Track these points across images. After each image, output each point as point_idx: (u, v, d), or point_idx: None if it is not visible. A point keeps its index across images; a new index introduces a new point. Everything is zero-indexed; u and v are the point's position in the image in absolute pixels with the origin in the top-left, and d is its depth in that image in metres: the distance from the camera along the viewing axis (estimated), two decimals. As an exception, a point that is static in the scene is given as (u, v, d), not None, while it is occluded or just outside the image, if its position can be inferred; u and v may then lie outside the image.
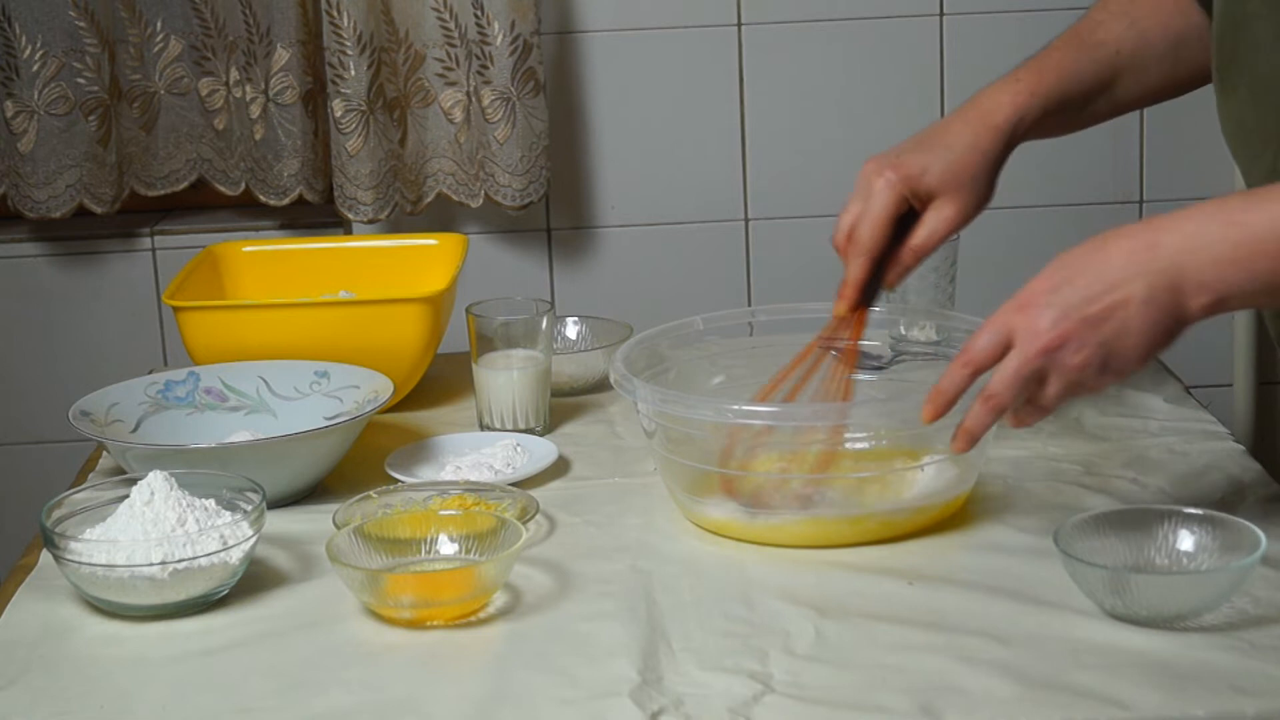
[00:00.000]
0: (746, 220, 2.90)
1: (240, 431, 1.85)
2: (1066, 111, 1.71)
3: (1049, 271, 1.42)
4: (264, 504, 1.57)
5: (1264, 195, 1.39)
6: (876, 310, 1.72)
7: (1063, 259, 1.42)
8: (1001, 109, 1.68)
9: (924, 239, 1.66)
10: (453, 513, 1.61)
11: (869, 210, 1.65)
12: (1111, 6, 1.76)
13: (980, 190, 1.66)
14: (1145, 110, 2.28)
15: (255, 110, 2.74)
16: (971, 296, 2.04)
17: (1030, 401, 1.45)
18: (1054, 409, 1.44)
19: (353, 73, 2.67)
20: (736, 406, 1.62)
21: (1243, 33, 1.57)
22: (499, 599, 1.53)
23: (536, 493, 1.72)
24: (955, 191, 1.65)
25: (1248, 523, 1.46)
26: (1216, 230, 1.38)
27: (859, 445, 1.69)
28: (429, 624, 1.49)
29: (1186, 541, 1.49)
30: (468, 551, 1.57)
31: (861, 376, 1.79)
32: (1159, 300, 1.38)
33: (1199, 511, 1.50)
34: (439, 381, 2.07)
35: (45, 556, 1.63)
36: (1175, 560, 1.49)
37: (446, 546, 1.57)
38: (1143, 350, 1.40)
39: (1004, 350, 1.43)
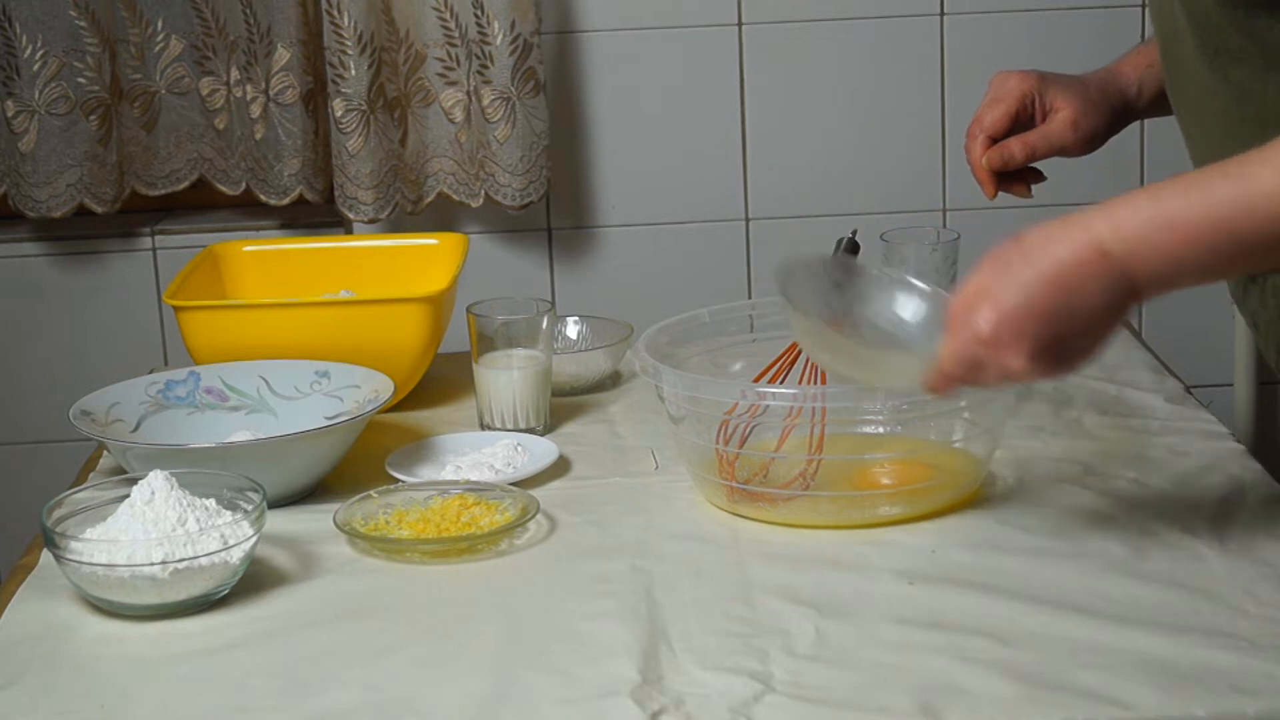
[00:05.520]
0: (746, 220, 2.90)
1: (240, 431, 1.85)
2: None
3: (1001, 287, 1.37)
4: (264, 504, 1.57)
5: (1193, 181, 1.39)
6: None
7: (1004, 268, 1.38)
8: (1125, 74, 1.79)
9: (1037, 137, 1.75)
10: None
11: (998, 97, 1.77)
12: None
13: (1101, 123, 1.77)
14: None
15: (256, 110, 2.74)
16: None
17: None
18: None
19: (353, 72, 2.68)
20: (772, 389, 1.64)
21: (1176, 51, 1.58)
22: (500, 598, 1.53)
23: (536, 493, 1.72)
24: (1078, 110, 1.76)
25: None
26: (1159, 235, 1.37)
27: (866, 430, 1.75)
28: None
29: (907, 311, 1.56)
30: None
31: None
32: (1117, 302, 1.38)
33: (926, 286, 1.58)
34: (439, 381, 2.07)
35: (46, 556, 1.63)
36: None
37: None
38: (1102, 342, 1.40)
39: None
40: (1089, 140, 1.78)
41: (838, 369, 1.56)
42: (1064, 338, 1.37)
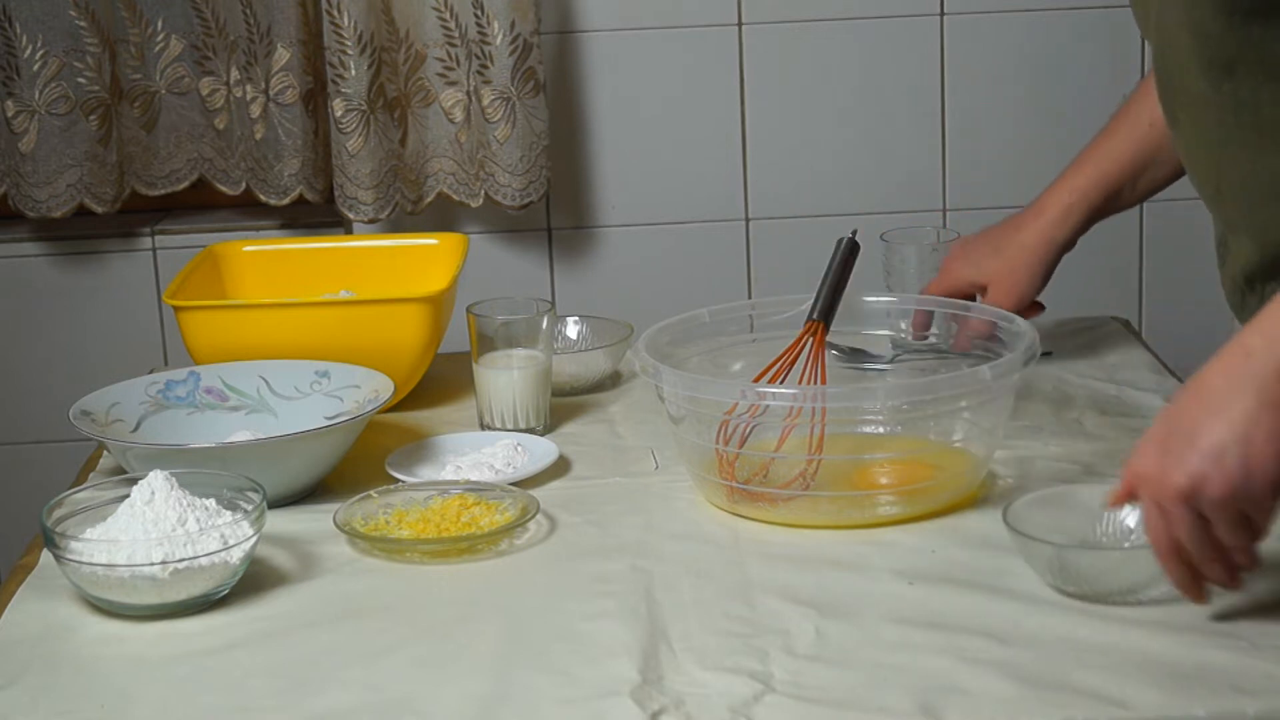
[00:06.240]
0: (746, 220, 2.90)
1: (240, 431, 1.85)
2: (1120, 194, 1.92)
3: (1156, 425, 1.38)
4: (264, 504, 1.57)
5: None
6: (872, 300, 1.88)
7: (1166, 409, 1.38)
8: (1051, 210, 1.92)
9: (974, 324, 1.84)
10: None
11: (938, 282, 1.96)
12: (1148, 81, 1.82)
13: (1025, 284, 1.92)
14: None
15: (256, 110, 2.74)
16: (972, 296, 2.04)
17: (1217, 549, 1.38)
18: (1243, 544, 1.37)
19: (353, 72, 2.68)
20: (772, 389, 1.64)
21: (1171, 62, 1.58)
22: (500, 598, 1.53)
23: (536, 493, 1.72)
24: (1003, 286, 1.92)
25: None
26: None
27: (866, 430, 1.74)
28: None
29: (1131, 518, 1.51)
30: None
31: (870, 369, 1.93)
32: (1269, 399, 1.32)
33: None
34: (439, 381, 2.07)
35: (46, 556, 1.63)
36: (1120, 537, 1.51)
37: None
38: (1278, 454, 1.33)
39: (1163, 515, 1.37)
40: (1015, 305, 1.90)
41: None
42: (1225, 445, 1.32)
